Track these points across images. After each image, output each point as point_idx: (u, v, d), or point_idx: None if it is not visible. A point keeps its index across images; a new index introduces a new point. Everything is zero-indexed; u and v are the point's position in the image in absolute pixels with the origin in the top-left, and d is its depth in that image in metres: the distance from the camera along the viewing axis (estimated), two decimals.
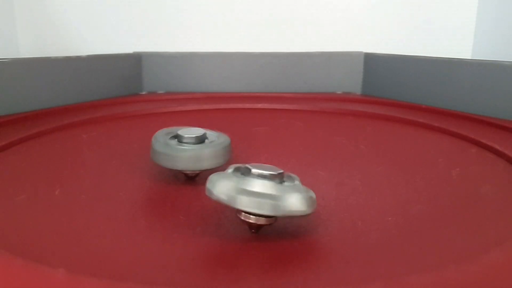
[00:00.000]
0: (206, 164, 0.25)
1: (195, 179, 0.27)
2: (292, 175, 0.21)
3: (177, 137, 0.26)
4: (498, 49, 0.58)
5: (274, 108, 0.53)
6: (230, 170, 0.20)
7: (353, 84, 0.64)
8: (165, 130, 0.28)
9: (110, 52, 0.60)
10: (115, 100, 0.56)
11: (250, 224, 0.19)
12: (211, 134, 0.28)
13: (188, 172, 0.26)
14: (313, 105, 0.53)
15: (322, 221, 0.21)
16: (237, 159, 0.32)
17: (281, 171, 0.20)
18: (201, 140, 0.26)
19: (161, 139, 0.26)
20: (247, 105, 0.53)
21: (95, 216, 0.22)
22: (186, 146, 0.25)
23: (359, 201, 0.24)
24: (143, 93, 0.63)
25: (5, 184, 0.26)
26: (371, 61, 0.62)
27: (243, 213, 0.19)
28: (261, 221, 0.19)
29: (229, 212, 0.22)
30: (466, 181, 0.27)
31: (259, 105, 0.53)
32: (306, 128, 0.43)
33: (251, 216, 0.19)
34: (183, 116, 0.49)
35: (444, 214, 0.22)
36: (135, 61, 0.62)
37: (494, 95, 0.45)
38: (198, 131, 0.27)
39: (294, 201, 0.18)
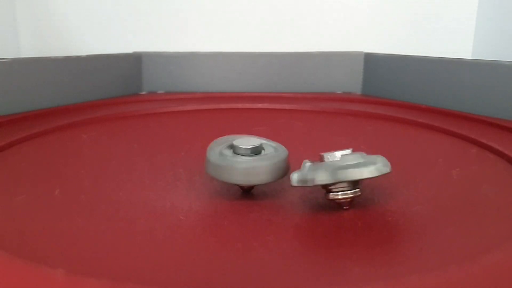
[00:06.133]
0: (262, 178, 0.23)
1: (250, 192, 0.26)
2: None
3: (232, 147, 0.24)
4: (498, 49, 0.58)
5: (274, 108, 0.53)
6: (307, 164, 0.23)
7: (353, 84, 0.64)
8: (220, 139, 0.26)
9: (110, 52, 0.60)
10: (115, 100, 0.56)
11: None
12: (267, 145, 0.26)
13: (244, 186, 0.25)
14: (313, 105, 0.53)
15: (322, 221, 0.21)
16: None
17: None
18: (257, 151, 0.24)
19: (216, 150, 0.25)
20: (247, 105, 0.53)
21: (95, 216, 0.22)
22: (242, 158, 0.24)
23: (358, 201, 0.24)
24: (143, 93, 0.63)
25: (5, 184, 0.26)
26: (371, 61, 0.62)
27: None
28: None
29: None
30: (466, 181, 0.27)
31: (259, 105, 0.53)
32: (306, 128, 0.43)
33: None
34: (183, 116, 0.49)
35: (444, 214, 0.22)
36: (135, 61, 0.62)
37: (494, 95, 0.45)
38: (254, 141, 0.25)
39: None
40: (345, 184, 0.22)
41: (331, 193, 0.22)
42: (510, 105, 0.44)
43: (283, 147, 0.26)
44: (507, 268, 0.15)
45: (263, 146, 0.25)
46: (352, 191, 0.22)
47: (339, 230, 0.20)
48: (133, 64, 0.62)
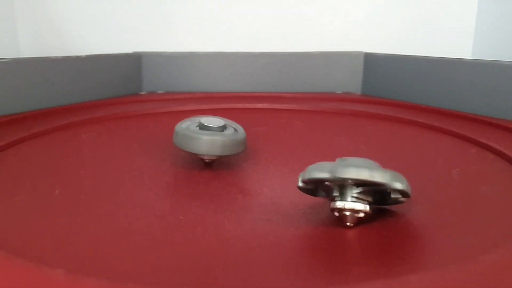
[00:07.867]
0: (223, 150, 0.27)
1: (211, 165, 0.30)
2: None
3: (199, 124, 0.29)
4: (498, 49, 0.58)
5: (274, 108, 0.53)
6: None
7: (353, 84, 0.64)
8: (189, 119, 0.31)
9: (110, 52, 0.60)
10: (115, 100, 0.56)
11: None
12: (230, 126, 0.30)
13: (205, 158, 0.29)
14: (313, 105, 0.53)
15: (322, 221, 0.21)
16: (237, 159, 0.32)
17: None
18: (221, 129, 0.29)
19: (184, 125, 0.29)
20: (247, 105, 0.53)
21: (95, 216, 0.22)
22: (207, 132, 0.28)
23: None
24: (143, 93, 0.63)
25: (5, 184, 0.26)
26: (371, 61, 0.62)
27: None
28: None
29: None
30: (466, 181, 0.27)
31: (259, 105, 0.53)
32: (306, 128, 0.43)
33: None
34: (183, 116, 0.49)
35: (444, 214, 0.22)
36: (135, 61, 0.62)
37: (494, 95, 0.45)
38: (219, 121, 0.29)
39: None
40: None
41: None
42: (510, 105, 0.44)
43: (242, 128, 0.30)
44: (507, 268, 0.15)
45: (226, 126, 0.30)
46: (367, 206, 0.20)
47: (339, 230, 0.20)
48: (133, 64, 0.62)
